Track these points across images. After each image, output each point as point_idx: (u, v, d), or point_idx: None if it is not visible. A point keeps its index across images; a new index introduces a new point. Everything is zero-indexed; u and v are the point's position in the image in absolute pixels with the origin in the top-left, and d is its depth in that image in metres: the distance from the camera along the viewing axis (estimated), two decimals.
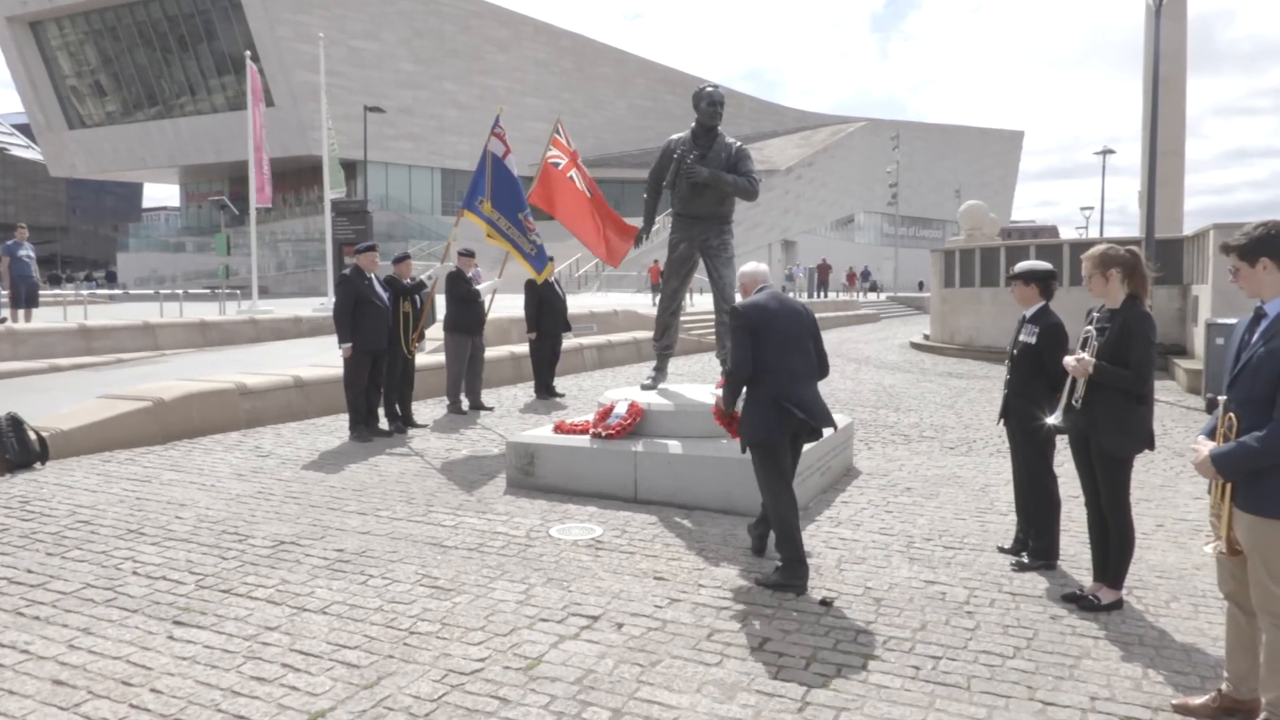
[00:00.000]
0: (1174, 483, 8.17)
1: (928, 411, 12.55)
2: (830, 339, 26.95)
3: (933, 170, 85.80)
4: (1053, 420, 5.03)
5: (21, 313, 17.87)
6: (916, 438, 10.46)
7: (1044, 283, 5.69)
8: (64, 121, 64.53)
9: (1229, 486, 3.56)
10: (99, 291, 44.08)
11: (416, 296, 10.84)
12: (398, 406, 10.74)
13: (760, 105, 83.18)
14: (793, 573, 5.36)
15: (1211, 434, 3.68)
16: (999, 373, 6.11)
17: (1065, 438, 5.19)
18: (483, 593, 5.25)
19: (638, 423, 7.80)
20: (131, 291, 44.66)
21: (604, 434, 7.72)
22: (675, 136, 8.80)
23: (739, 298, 6.06)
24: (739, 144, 8.58)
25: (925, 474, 8.54)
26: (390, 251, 12.51)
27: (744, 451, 5.63)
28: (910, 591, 5.31)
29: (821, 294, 48.10)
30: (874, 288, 61.13)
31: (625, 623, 4.80)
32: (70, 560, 5.81)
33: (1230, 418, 3.56)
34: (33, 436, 8.56)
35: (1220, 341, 12.22)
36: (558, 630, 4.70)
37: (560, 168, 10.15)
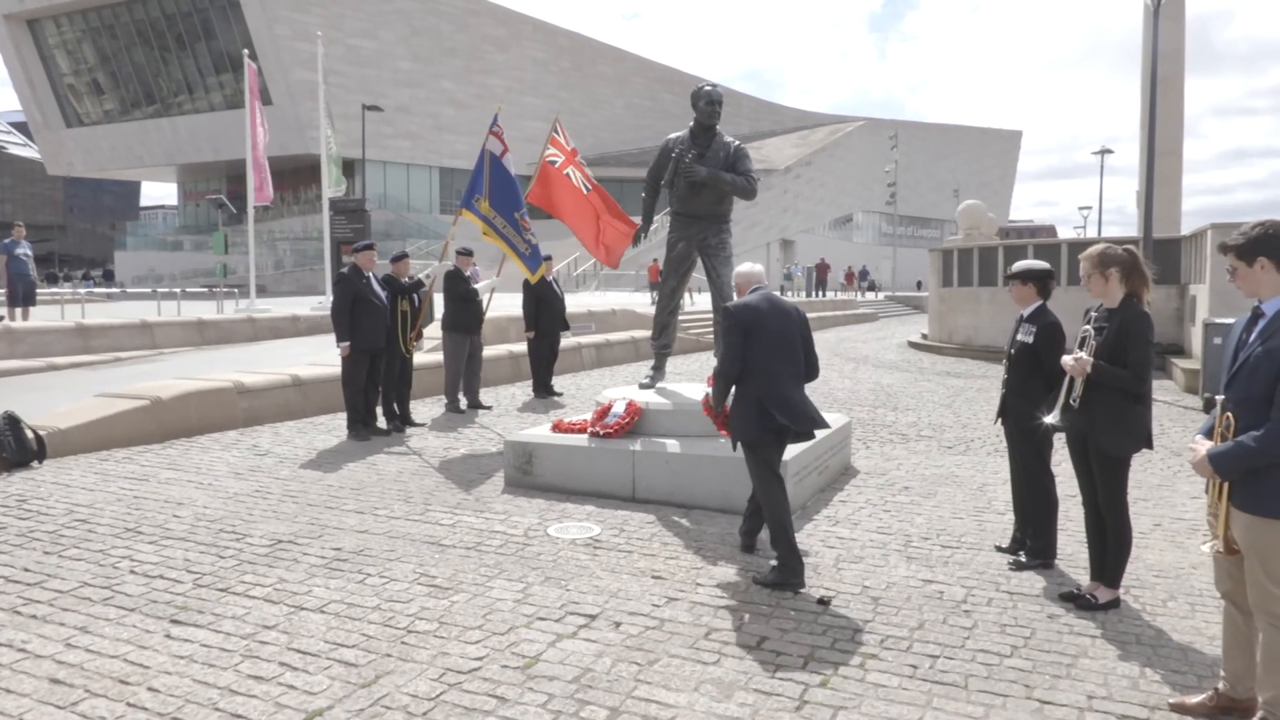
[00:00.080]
0: (1171, 482, 8.17)
1: (926, 411, 12.55)
2: (828, 338, 27.06)
3: (931, 170, 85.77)
4: (1050, 419, 5.03)
5: (19, 311, 17.86)
6: (914, 437, 10.46)
7: (1041, 282, 5.70)
8: (61, 120, 64.43)
9: (1226, 486, 3.56)
10: (96, 290, 44.03)
11: (415, 295, 10.84)
12: (396, 405, 10.74)
13: (759, 105, 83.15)
14: (789, 570, 5.37)
15: (1209, 433, 3.68)
16: (997, 372, 6.11)
17: (1063, 437, 5.20)
18: (480, 591, 5.25)
19: (636, 422, 7.80)
20: (129, 290, 44.60)
21: (602, 433, 7.72)
22: (673, 135, 8.80)
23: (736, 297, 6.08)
24: (737, 143, 8.58)
25: (923, 473, 8.54)
26: (388, 250, 12.51)
27: (734, 449, 5.72)
28: (908, 590, 5.31)
29: (820, 293, 48.11)
30: (872, 287, 61.14)
31: (623, 621, 4.80)
32: (67, 559, 5.81)
33: (1228, 417, 3.56)
34: (30, 435, 8.56)
35: (1218, 341, 12.23)
36: (555, 629, 4.70)
37: (558, 166, 10.16)
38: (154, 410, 9.81)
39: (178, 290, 27.71)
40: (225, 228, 33.34)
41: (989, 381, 15.84)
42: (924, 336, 25.34)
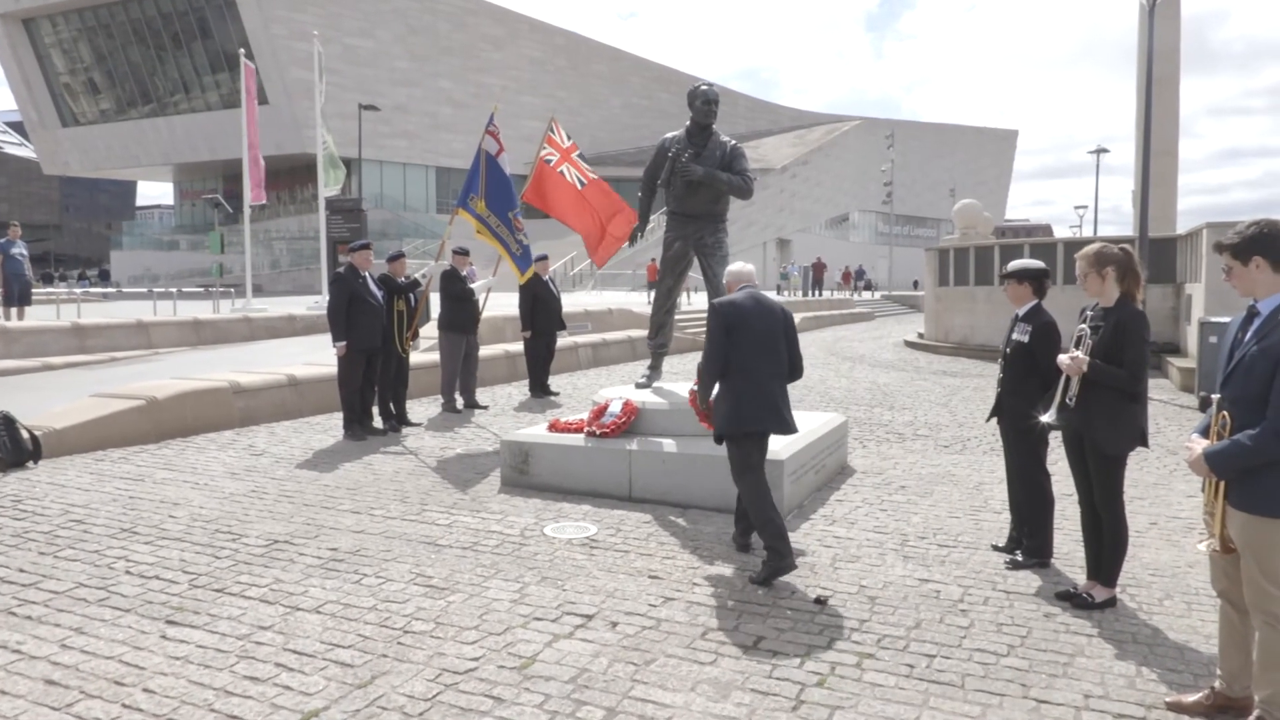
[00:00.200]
0: (1167, 481, 8.18)
1: (922, 410, 12.56)
2: (825, 337, 27.09)
3: (927, 169, 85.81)
4: (1047, 418, 5.03)
5: (14, 311, 17.84)
6: (911, 436, 10.47)
7: (1037, 281, 5.70)
8: (57, 119, 64.32)
9: (1222, 484, 3.56)
10: (92, 290, 43.98)
11: (411, 295, 10.83)
12: (392, 405, 10.73)
13: (755, 104, 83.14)
14: (776, 555, 5.43)
15: (1205, 432, 3.68)
16: (993, 371, 6.11)
17: (1058, 436, 5.20)
18: (477, 592, 5.25)
19: (632, 421, 7.79)
20: (125, 290, 44.54)
21: (599, 432, 7.71)
22: (670, 135, 8.80)
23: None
24: (734, 142, 8.57)
25: (919, 472, 8.55)
26: (385, 250, 12.49)
27: (718, 443, 5.81)
28: (904, 590, 5.32)
29: (816, 292, 48.11)
30: (868, 286, 61.18)
31: (620, 621, 4.80)
32: (63, 559, 5.80)
33: (1224, 416, 3.56)
34: (25, 435, 8.55)
35: (1213, 340, 12.24)
36: (552, 629, 4.70)
37: (553, 164, 10.16)
38: (150, 410, 9.79)
39: (174, 290, 27.67)
40: (221, 227, 33.34)
41: (985, 381, 15.85)
42: (920, 336, 25.37)
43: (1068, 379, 4.92)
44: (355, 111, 43.80)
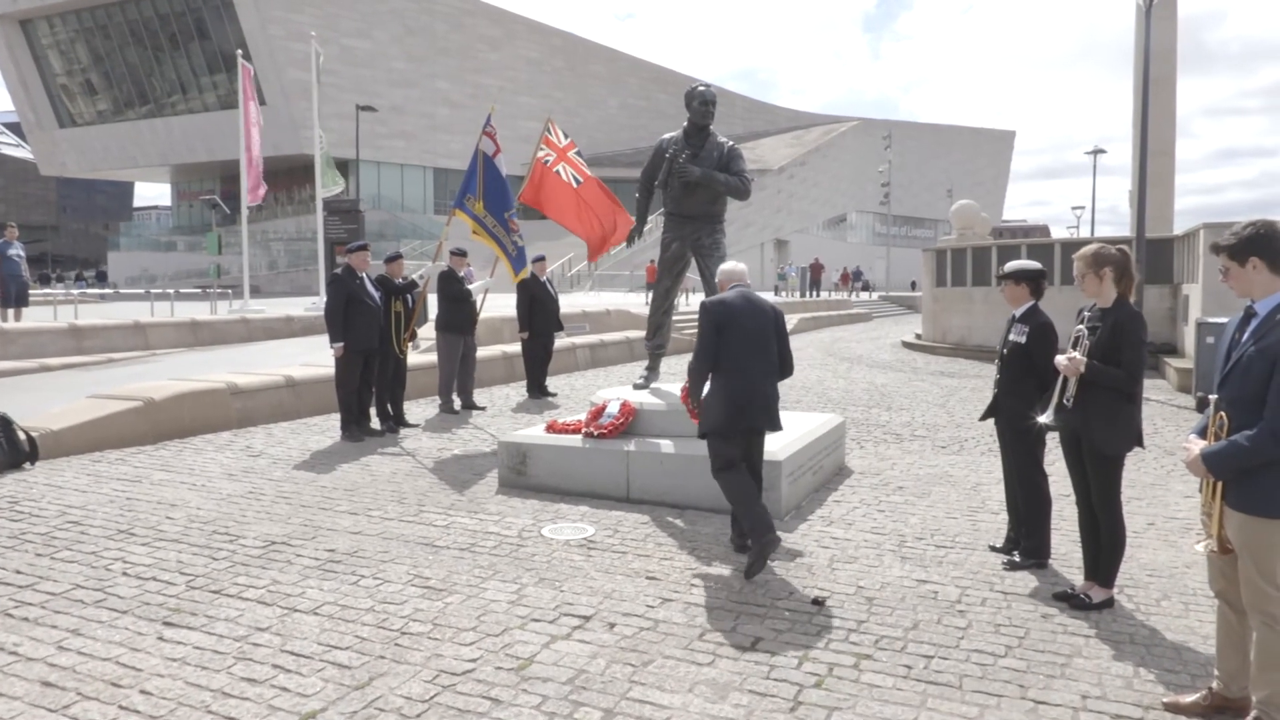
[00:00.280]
0: (1165, 481, 8.19)
1: (920, 410, 12.56)
2: (822, 338, 27.09)
3: (925, 170, 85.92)
4: (1044, 419, 5.03)
5: (11, 312, 17.82)
6: (908, 437, 10.47)
7: (1034, 282, 5.70)
8: (55, 120, 64.31)
9: (1220, 485, 3.57)
10: (89, 291, 43.98)
11: (408, 296, 10.82)
12: (389, 406, 10.72)
13: (752, 105, 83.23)
14: (757, 534, 5.50)
15: (1203, 433, 3.68)
16: (990, 372, 6.12)
17: (1056, 436, 5.20)
18: (474, 593, 5.25)
19: (630, 422, 7.79)
20: (122, 291, 44.56)
21: (596, 433, 7.71)
22: (667, 136, 8.80)
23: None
24: (731, 143, 8.58)
25: (917, 473, 8.55)
26: (382, 251, 12.49)
27: (701, 438, 5.98)
28: (902, 590, 5.32)
29: (814, 293, 48.12)
30: (866, 287, 61.22)
31: (617, 622, 4.80)
32: (60, 561, 5.79)
33: (1221, 416, 3.57)
34: (22, 436, 8.53)
35: (1211, 340, 12.25)
36: (550, 630, 4.69)
37: (549, 165, 10.18)
38: (147, 411, 9.78)
39: (171, 291, 27.68)
40: (219, 228, 33.34)
41: (983, 381, 15.86)
42: (918, 336, 25.37)
43: (1065, 380, 4.92)
44: (353, 112, 43.75)
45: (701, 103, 8.49)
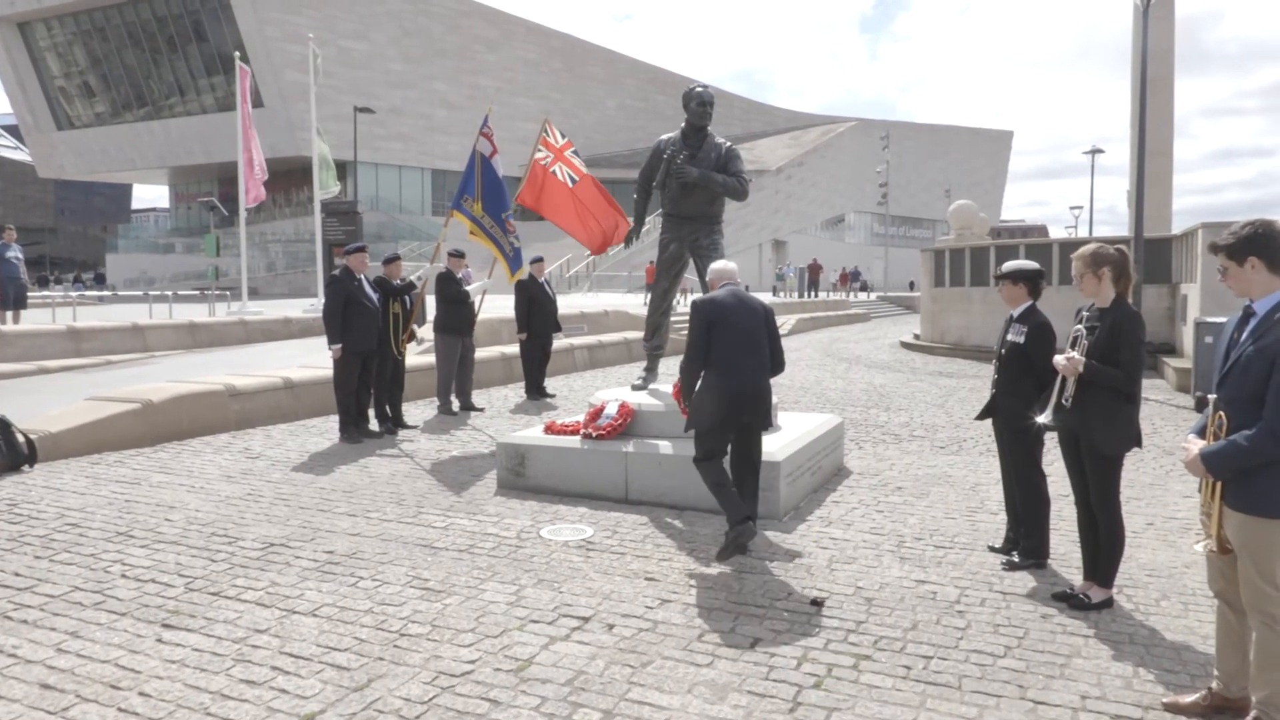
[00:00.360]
0: (1164, 481, 8.19)
1: (918, 411, 12.57)
2: (820, 339, 27.09)
3: (922, 170, 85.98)
4: (1043, 419, 5.04)
5: (10, 314, 17.80)
6: (907, 437, 10.47)
7: (1032, 282, 5.70)
8: (52, 122, 64.26)
9: (1219, 485, 3.57)
10: (88, 293, 43.92)
11: (406, 297, 10.82)
12: (388, 408, 10.72)
13: (750, 105, 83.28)
14: (734, 523, 5.77)
15: (1202, 432, 3.68)
16: (989, 372, 6.12)
17: (1054, 436, 5.20)
18: (473, 594, 5.24)
19: (628, 423, 7.79)
20: (120, 293, 44.53)
21: (595, 434, 7.71)
22: (665, 136, 8.81)
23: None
24: (729, 144, 8.58)
25: (916, 473, 8.55)
26: (380, 252, 12.49)
27: (686, 431, 6.21)
28: (901, 591, 5.31)
29: (812, 294, 48.12)
30: (864, 287, 61.24)
31: (616, 624, 4.79)
32: (58, 563, 5.79)
33: (1220, 416, 3.57)
34: (21, 439, 8.52)
35: (1209, 340, 12.26)
36: (548, 631, 4.69)
37: (546, 166, 10.19)
38: (145, 413, 9.78)
39: (169, 293, 27.66)
40: (217, 230, 33.31)
41: (981, 381, 15.86)
42: (916, 337, 25.38)
43: (1063, 379, 4.92)
44: (350, 114, 43.78)
45: (699, 103, 8.50)
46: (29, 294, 19.69)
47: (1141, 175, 17.31)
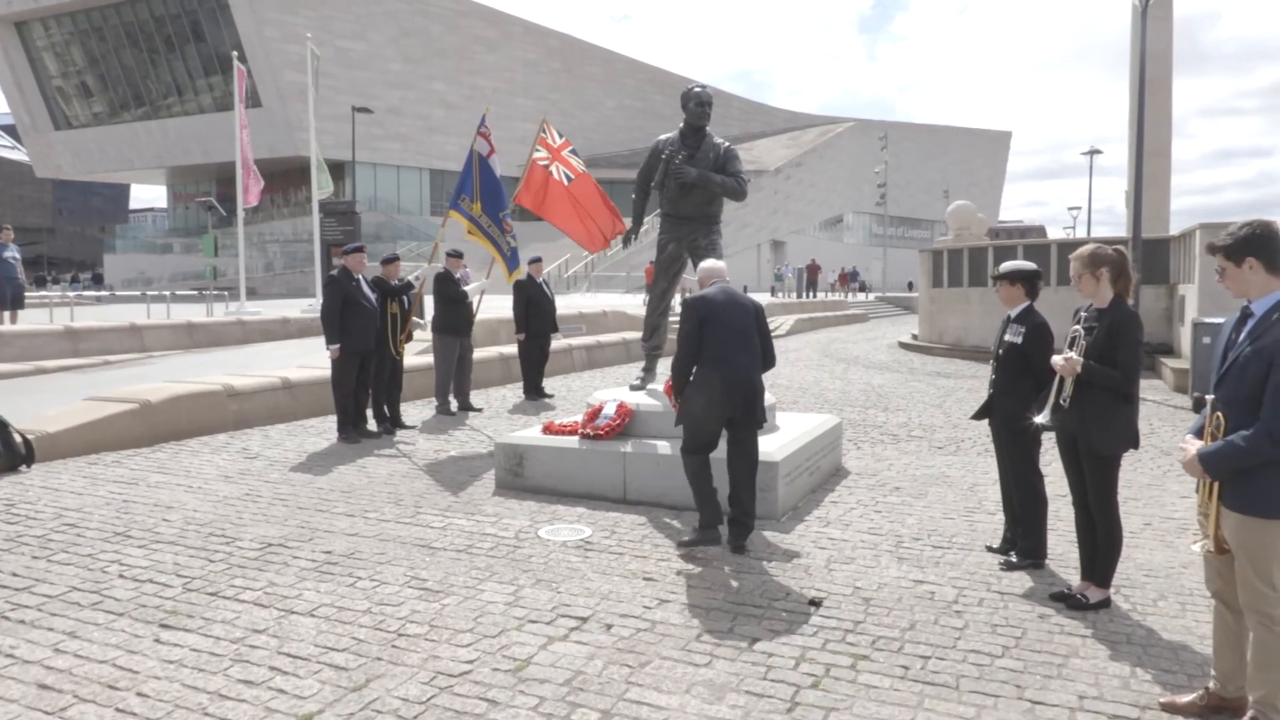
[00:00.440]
0: (1161, 481, 8.20)
1: (916, 411, 12.57)
2: (819, 339, 27.10)
3: (921, 170, 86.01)
4: (1041, 419, 5.04)
5: (7, 314, 17.77)
6: (905, 437, 10.48)
7: (1029, 282, 5.70)
8: (50, 122, 64.21)
9: (1217, 485, 3.57)
10: (85, 293, 43.88)
11: (404, 297, 10.82)
12: (386, 408, 10.71)
13: (749, 106, 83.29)
14: (703, 525, 6.12)
15: (1199, 433, 3.69)
16: (987, 372, 6.12)
17: (1052, 437, 5.21)
18: (471, 594, 5.24)
19: (627, 423, 7.79)
20: (118, 293, 44.50)
21: (593, 435, 7.71)
22: (663, 137, 8.81)
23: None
24: (727, 144, 8.58)
25: (914, 473, 8.55)
26: (378, 252, 12.49)
27: (676, 425, 6.32)
28: (899, 591, 5.32)
29: (811, 294, 48.13)
30: (863, 288, 61.24)
31: (614, 624, 4.80)
32: (56, 563, 5.78)
33: (1218, 417, 3.57)
34: (18, 439, 8.51)
35: (1207, 341, 12.27)
36: (547, 631, 4.69)
37: (545, 166, 10.21)
38: (143, 413, 9.77)
39: (167, 293, 27.64)
40: (215, 230, 33.26)
41: (979, 382, 15.86)
42: (914, 337, 25.40)
43: (1061, 380, 4.92)
44: (348, 114, 43.75)
45: (698, 104, 8.50)
46: (26, 294, 19.66)
47: (1140, 176, 17.32)
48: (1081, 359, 4.78)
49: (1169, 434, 10.60)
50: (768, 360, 6.30)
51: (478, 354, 13.53)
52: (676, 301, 8.62)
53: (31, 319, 18.67)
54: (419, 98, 61.22)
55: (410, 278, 11.28)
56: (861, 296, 56.00)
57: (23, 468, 8.45)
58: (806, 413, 10.25)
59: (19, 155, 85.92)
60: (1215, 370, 3.66)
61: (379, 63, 58.69)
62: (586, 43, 72.57)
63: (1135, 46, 20.65)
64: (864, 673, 4.23)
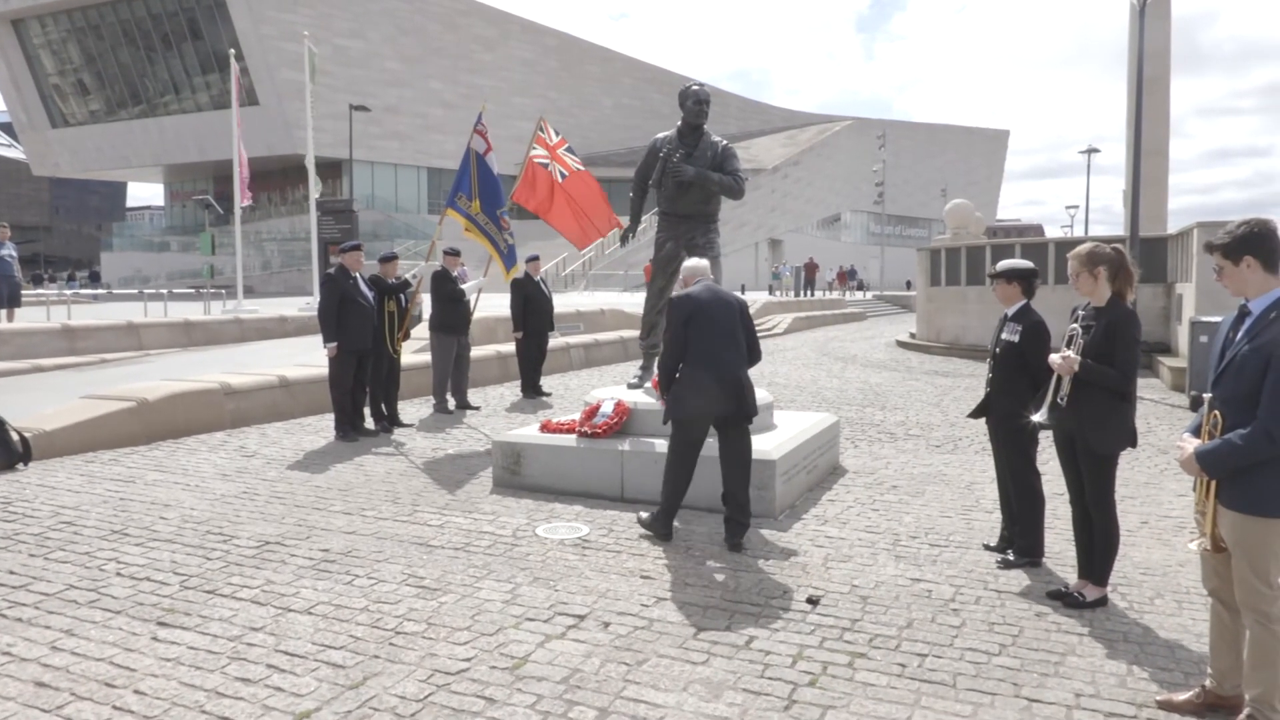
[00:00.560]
0: (1158, 480, 8.20)
1: (914, 410, 12.58)
2: (817, 337, 27.12)
3: (919, 169, 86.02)
4: (1038, 418, 5.04)
5: (4, 313, 17.75)
6: (903, 436, 10.48)
7: (1026, 281, 5.71)
8: (47, 120, 64.10)
9: (1214, 483, 3.57)
10: (82, 291, 43.80)
11: (402, 296, 10.81)
12: (383, 406, 10.71)
13: (747, 104, 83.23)
14: (660, 521, 6.28)
15: (1197, 431, 3.69)
16: (984, 371, 6.13)
17: (1049, 435, 5.21)
18: (469, 592, 5.24)
19: (624, 421, 7.79)
20: (115, 291, 44.39)
21: (590, 433, 7.71)
22: (661, 135, 8.80)
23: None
24: (725, 143, 8.58)
25: (911, 472, 8.56)
26: (376, 251, 12.48)
27: (664, 423, 6.36)
28: (896, 589, 5.32)
29: (809, 293, 48.14)
30: (860, 286, 61.24)
31: (612, 622, 4.80)
32: (53, 561, 5.78)
33: (1215, 415, 3.57)
34: (15, 437, 8.51)
35: (1204, 339, 12.28)
36: (544, 629, 4.69)
37: (543, 164, 10.22)
38: (140, 412, 9.76)
39: (164, 291, 27.60)
40: (212, 228, 33.10)
41: (977, 380, 15.87)
42: (912, 336, 25.41)
43: (1059, 378, 4.93)
44: (346, 112, 43.68)
45: (695, 102, 8.50)
46: (23, 292, 19.64)
47: (1137, 175, 17.34)
48: (1079, 358, 4.79)
49: (1166, 432, 10.61)
50: (753, 356, 6.34)
51: (475, 352, 13.53)
52: None
53: (28, 317, 18.65)
54: (417, 96, 61.16)
55: (408, 276, 11.26)
56: (859, 295, 56.02)
57: (20, 466, 8.45)
58: (804, 411, 10.25)
59: (16, 153, 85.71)
60: (1212, 369, 3.67)
61: (377, 61, 58.62)
62: (584, 41, 72.51)
63: (1133, 46, 20.66)
64: (861, 670, 4.23)
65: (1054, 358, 4.93)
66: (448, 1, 62.26)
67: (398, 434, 10.40)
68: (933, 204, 77.64)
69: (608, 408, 7.87)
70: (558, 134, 10.52)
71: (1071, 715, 3.82)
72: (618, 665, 4.27)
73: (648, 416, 7.85)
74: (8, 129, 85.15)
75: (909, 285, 59.90)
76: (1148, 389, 14.49)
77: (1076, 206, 70.13)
